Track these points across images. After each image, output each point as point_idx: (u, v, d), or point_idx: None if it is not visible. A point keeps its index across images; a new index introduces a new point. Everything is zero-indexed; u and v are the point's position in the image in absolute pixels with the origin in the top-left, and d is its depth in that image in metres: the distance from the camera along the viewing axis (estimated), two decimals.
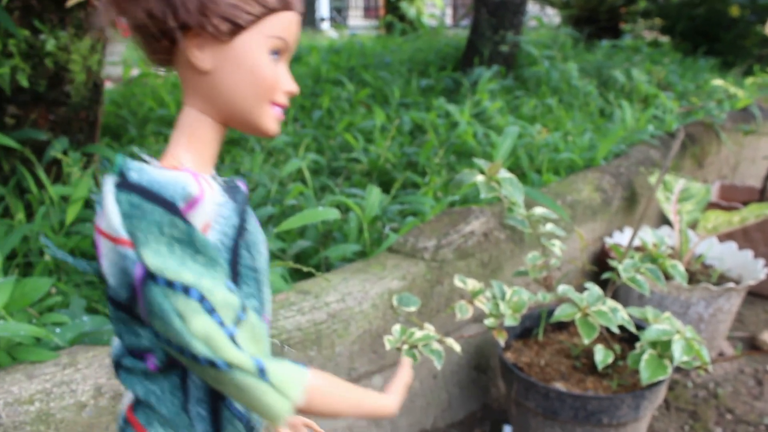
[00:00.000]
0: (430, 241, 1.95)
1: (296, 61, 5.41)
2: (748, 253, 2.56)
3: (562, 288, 1.75)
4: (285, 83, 0.75)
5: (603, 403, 1.77)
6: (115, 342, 0.78)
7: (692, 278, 2.46)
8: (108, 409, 1.34)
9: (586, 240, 2.52)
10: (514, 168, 2.81)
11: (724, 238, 2.79)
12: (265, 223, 2.11)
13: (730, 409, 2.22)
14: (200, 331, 0.64)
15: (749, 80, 3.07)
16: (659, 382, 1.82)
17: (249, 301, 0.75)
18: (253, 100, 0.72)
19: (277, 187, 2.41)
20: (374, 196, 2.07)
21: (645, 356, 1.75)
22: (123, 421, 0.79)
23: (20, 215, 1.97)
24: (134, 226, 0.64)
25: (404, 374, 0.84)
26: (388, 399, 0.78)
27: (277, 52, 0.73)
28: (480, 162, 1.80)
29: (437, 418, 2.08)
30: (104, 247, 0.67)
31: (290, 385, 0.68)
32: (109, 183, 0.66)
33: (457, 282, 1.69)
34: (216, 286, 0.66)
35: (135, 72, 4.42)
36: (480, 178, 1.77)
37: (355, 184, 2.69)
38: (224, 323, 0.66)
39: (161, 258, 0.64)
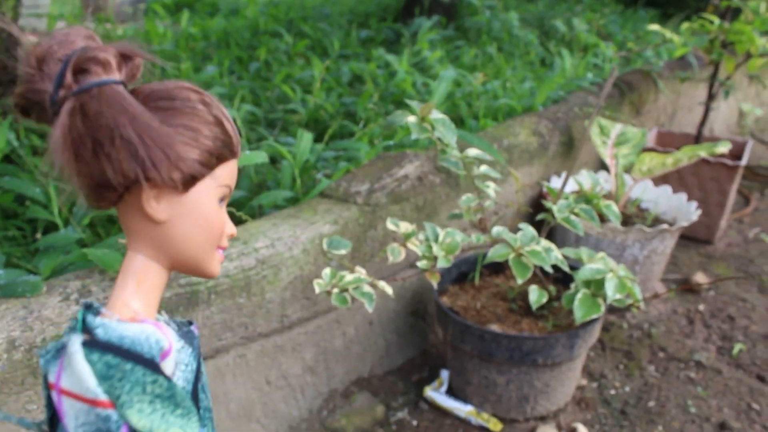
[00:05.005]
0: (363, 186, 1.91)
1: (234, 14, 5.24)
2: (683, 196, 2.59)
3: (496, 229, 1.74)
4: (228, 227, 0.79)
5: (538, 343, 1.77)
6: None
7: (628, 221, 2.49)
8: (23, 363, 1.27)
9: (522, 183, 2.51)
10: (452, 114, 2.77)
11: (659, 182, 2.83)
12: None
13: (663, 347, 2.26)
14: None
15: (684, 25, 3.07)
16: (593, 321, 1.83)
17: None
18: (205, 246, 0.76)
19: None
20: (305, 141, 2.02)
21: (579, 295, 1.76)
22: None
23: None
24: (115, 387, 0.65)
25: None
26: None
27: (222, 199, 0.77)
28: (413, 103, 1.76)
29: (375, 366, 2.06)
30: (72, 408, 0.66)
31: None
32: (75, 342, 0.65)
33: (390, 225, 1.66)
34: None
35: (60, 25, 4.21)
36: (412, 119, 1.73)
37: (292, 134, 2.62)
38: None
39: (147, 417, 0.66)
